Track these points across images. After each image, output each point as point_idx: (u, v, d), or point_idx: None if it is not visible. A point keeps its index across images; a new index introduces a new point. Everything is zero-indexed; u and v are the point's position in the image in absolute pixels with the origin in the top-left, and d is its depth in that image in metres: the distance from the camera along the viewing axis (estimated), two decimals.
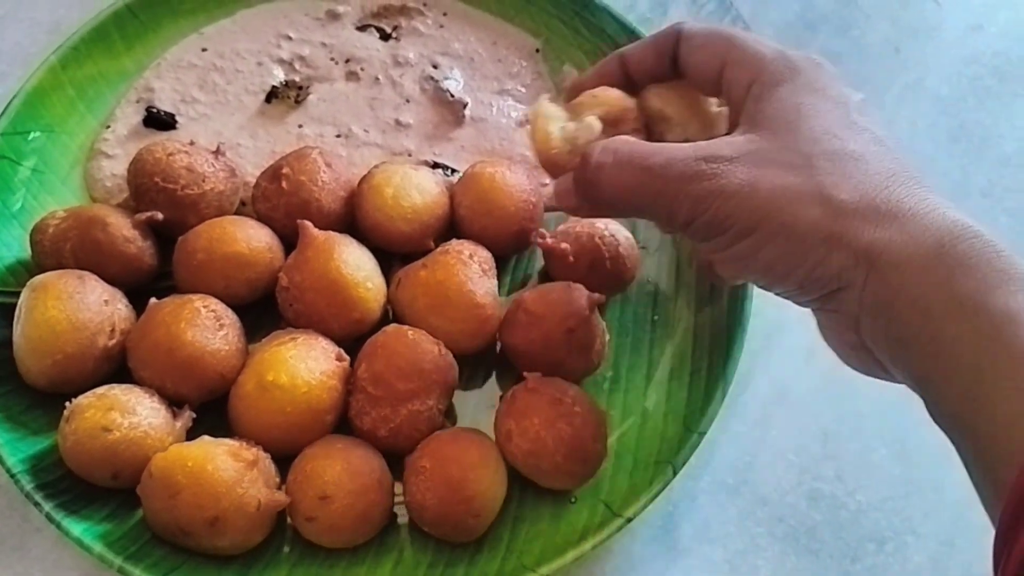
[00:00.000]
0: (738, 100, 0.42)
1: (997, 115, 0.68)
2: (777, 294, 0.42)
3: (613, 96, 0.46)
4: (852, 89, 0.42)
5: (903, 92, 0.69)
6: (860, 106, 0.41)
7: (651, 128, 0.46)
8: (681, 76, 0.46)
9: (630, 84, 0.47)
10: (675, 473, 0.49)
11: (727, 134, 0.41)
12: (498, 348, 0.55)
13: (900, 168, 0.38)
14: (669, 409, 0.53)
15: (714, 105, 0.46)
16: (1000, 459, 0.33)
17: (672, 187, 0.39)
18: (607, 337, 0.53)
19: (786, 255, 0.38)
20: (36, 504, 0.46)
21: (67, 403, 0.47)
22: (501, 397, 0.52)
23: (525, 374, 0.49)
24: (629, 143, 0.41)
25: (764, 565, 0.52)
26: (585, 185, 0.42)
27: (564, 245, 0.54)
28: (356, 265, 0.51)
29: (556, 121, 0.46)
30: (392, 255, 0.56)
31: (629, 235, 0.55)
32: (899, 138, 0.66)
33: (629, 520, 0.48)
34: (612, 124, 0.44)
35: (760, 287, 0.43)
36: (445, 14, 0.65)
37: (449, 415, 0.52)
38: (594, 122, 0.44)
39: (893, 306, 0.36)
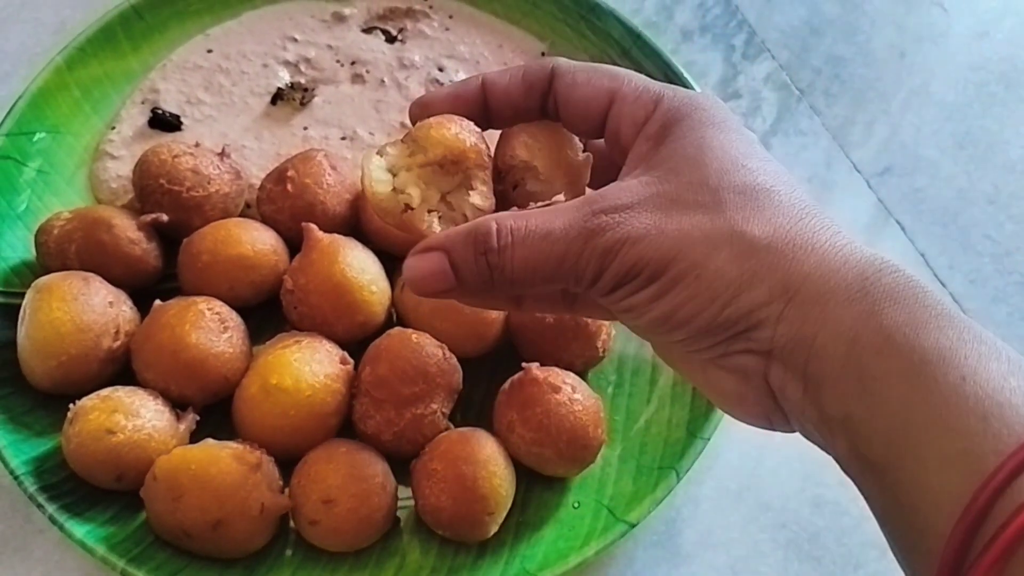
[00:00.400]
0: (627, 140, 0.39)
1: (1003, 121, 0.68)
2: (671, 343, 0.38)
3: (450, 135, 0.38)
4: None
5: (908, 98, 0.69)
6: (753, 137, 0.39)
7: (506, 175, 0.40)
8: (547, 115, 0.41)
9: (486, 113, 0.41)
10: (679, 479, 0.49)
11: (615, 180, 0.38)
12: (502, 347, 0.55)
13: (810, 202, 0.36)
14: (673, 414, 0.53)
15: (579, 152, 0.41)
16: (929, 502, 0.31)
17: (575, 247, 0.36)
18: (612, 332, 0.53)
19: (693, 297, 0.35)
20: (39, 506, 0.46)
21: (71, 405, 0.47)
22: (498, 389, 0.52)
23: (524, 364, 0.49)
24: (520, 217, 0.36)
25: (767, 571, 0.52)
26: (488, 272, 0.37)
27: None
28: (361, 268, 0.51)
29: (384, 182, 0.38)
30: (397, 258, 0.55)
31: None
32: (904, 144, 0.67)
33: (632, 526, 0.48)
34: (451, 165, 0.38)
35: (648, 337, 0.39)
36: (451, 16, 0.65)
37: (452, 418, 0.52)
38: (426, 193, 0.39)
39: (815, 341, 0.34)
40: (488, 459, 0.47)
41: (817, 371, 0.34)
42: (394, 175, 0.38)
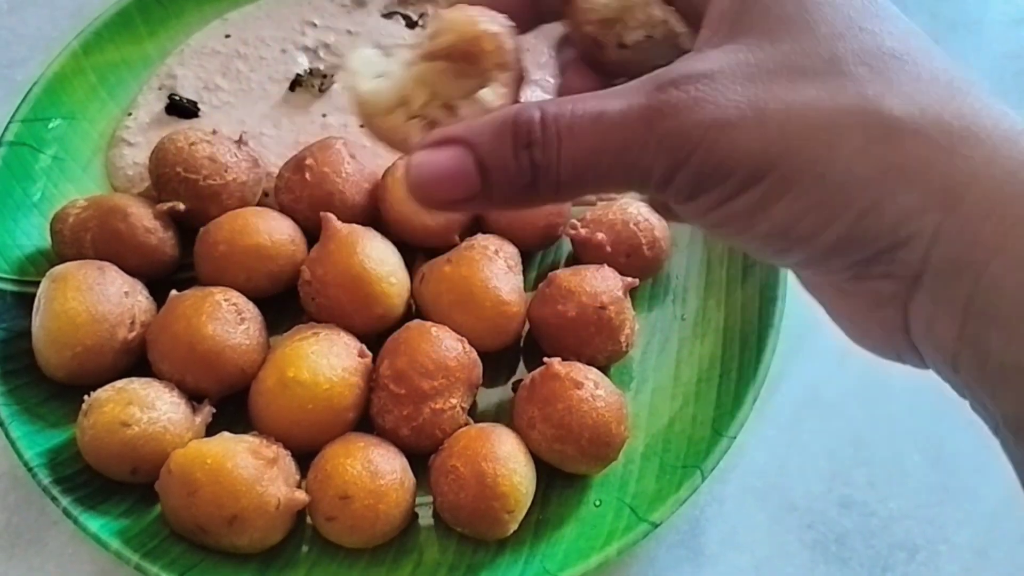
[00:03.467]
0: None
1: None
2: (789, 264, 0.30)
3: (463, 17, 0.29)
4: None
5: None
6: None
7: (589, 53, 0.32)
8: None
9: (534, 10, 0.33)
10: (703, 478, 0.48)
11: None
12: (522, 341, 0.54)
13: (957, 73, 0.27)
14: (697, 411, 0.51)
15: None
16: None
17: (638, 134, 0.26)
18: (636, 326, 0.52)
19: (818, 205, 0.27)
20: (53, 499, 0.45)
21: (86, 396, 0.46)
22: (516, 384, 0.51)
23: (545, 359, 0.48)
24: (564, 102, 0.27)
25: (792, 573, 0.51)
26: (530, 173, 0.27)
27: (600, 235, 0.53)
28: (380, 259, 0.50)
29: (371, 77, 0.30)
30: (416, 248, 0.54)
31: (659, 217, 0.55)
32: None
33: (656, 526, 0.47)
34: (464, 60, 0.29)
35: (763, 256, 0.30)
36: None
37: (471, 412, 0.51)
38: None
39: (986, 269, 0.26)
40: (508, 456, 0.46)
41: (986, 308, 0.26)
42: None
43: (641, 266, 0.54)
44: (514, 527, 0.46)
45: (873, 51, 0.26)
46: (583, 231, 0.53)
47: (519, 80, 0.30)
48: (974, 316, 0.26)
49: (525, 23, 0.31)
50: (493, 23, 0.29)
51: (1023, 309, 0.25)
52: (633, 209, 0.54)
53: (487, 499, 0.45)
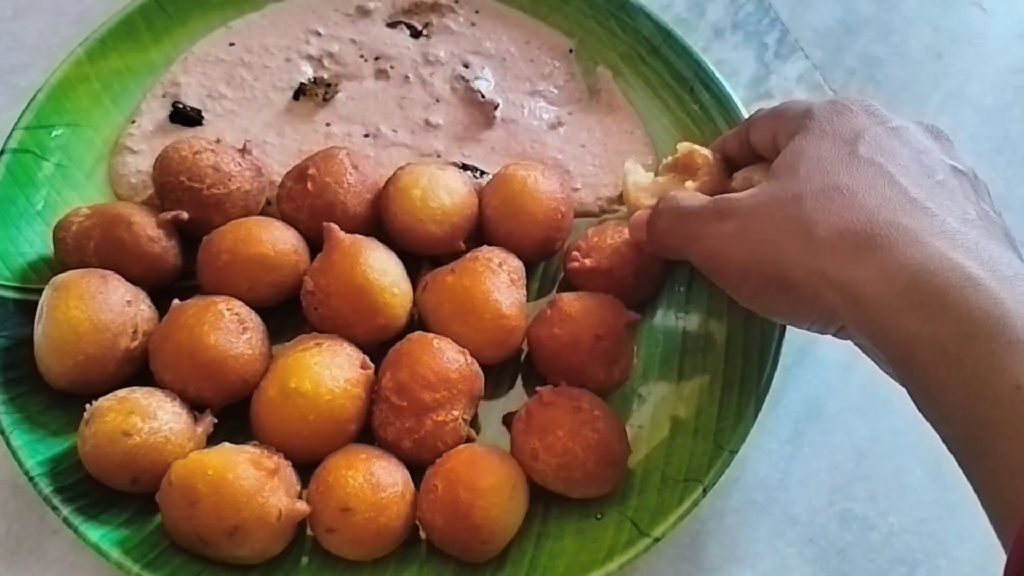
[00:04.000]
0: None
1: None
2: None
3: (690, 145, 0.52)
4: (911, 121, 0.43)
5: (945, 100, 0.67)
6: (889, 135, 0.41)
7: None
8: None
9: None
10: (705, 493, 0.48)
11: None
12: (523, 356, 0.54)
13: (898, 197, 0.38)
14: (699, 425, 0.51)
15: None
16: (1007, 508, 0.33)
17: (693, 229, 0.45)
18: (635, 361, 0.52)
19: (782, 296, 0.41)
20: (54, 508, 0.45)
21: (87, 405, 0.46)
22: (508, 417, 0.51)
23: (538, 388, 0.48)
24: (683, 194, 0.47)
25: None
26: (649, 226, 0.48)
27: (587, 262, 0.52)
28: (382, 270, 0.50)
29: (641, 179, 0.54)
30: (419, 259, 0.54)
31: None
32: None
33: (657, 540, 0.47)
34: (683, 169, 0.52)
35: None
36: (477, 12, 0.64)
37: (473, 425, 0.51)
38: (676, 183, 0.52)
39: (881, 348, 0.37)
40: (490, 489, 0.45)
41: (898, 374, 0.37)
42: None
43: (651, 281, 0.54)
44: (491, 555, 0.46)
45: (826, 186, 0.39)
46: (587, 262, 0.53)
47: (714, 181, 0.50)
48: (901, 378, 0.38)
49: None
50: (703, 150, 0.52)
51: (915, 382, 0.36)
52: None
53: (459, 528, 0.45)
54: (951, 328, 0.34)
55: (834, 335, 0.43)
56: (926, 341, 0.35)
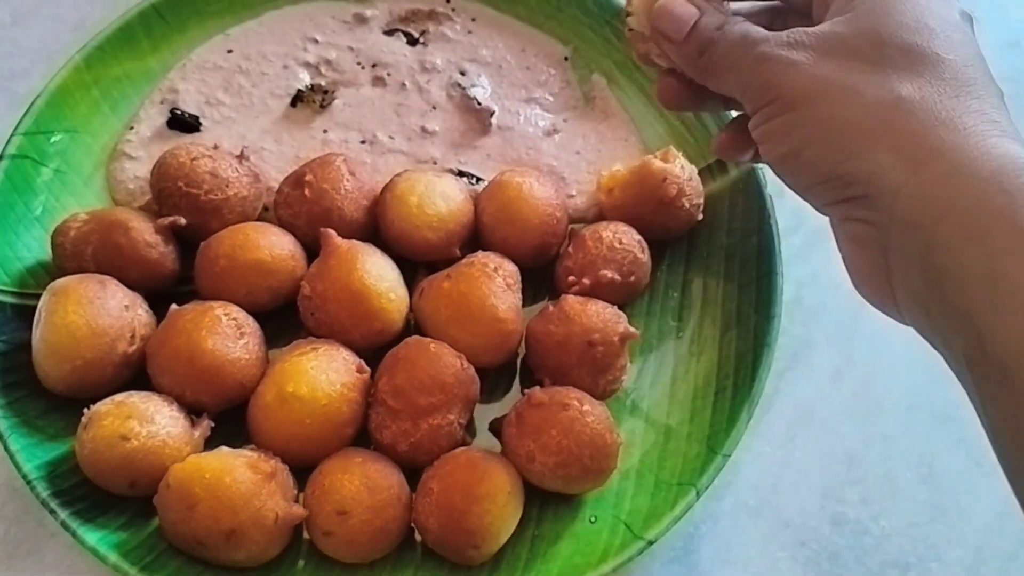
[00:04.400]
0: None
1: None
2: (799, 191, 0.39)
3: None
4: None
5: None
6: (963, 15, 0.38)
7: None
8: None
9: None
10: (698, 496, 0.49)
11: None
12: (519, 360, 0.54)
13: (982, 81, 0.35)
14: (693, 429, 0.52)
15: None
16: None
17: (748, 55, 0.39)
18: (625, 376, 0.52)
19: (820, 141, 0.36)
20: (52, 512, 0.46)
21: (85, 409, 0.47)
22: (495, 423, 0.51)
23: (525, 391, 0.49)
24: (742, 24, 0.40)
25: None
26: (698, 52, 0.41)
27: (587, 282, 0.53)
28: (379, 275, 0.51)
29: None
30: (417, 264, 0.55)
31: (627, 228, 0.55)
32: None
33: (651, 543, 0.47)
34: None
35: (779, 174, 0.40)
36: (474, 19, 0.64)
37: (469, 429, 0.51)
38: None
39: (937, 228, 0.33)
40: (487, 495, 0.45)
41: (940, 263, 0.33)
42: None
43: (642, 277, 0.54)
44: (483, 559, 0.47)
45: (919, 46, 0.35)
46: (585, 281, 0.53)
47: None
48: (932, 269, 0.33)
49: None
50: None
51: (968, 266, 0.32)
52: (608, 233, 0.54)
53: (454, 532, 0.45)
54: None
55: (829, 207, 0.38)
56: (1011, 230, 0.31)
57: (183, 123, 0.59)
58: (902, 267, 0.34)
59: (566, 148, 0.61)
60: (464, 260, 0.53)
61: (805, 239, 0.60)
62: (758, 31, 0.39)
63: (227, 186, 0.53)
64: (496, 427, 0.51)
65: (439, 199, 0.53)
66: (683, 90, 0.46)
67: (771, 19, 0.45)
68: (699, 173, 0.57)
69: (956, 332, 0.33)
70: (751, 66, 0.38)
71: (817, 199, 0.38)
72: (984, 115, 0.34)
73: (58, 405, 0.49)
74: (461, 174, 0.59)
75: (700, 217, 0.56)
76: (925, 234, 0.33)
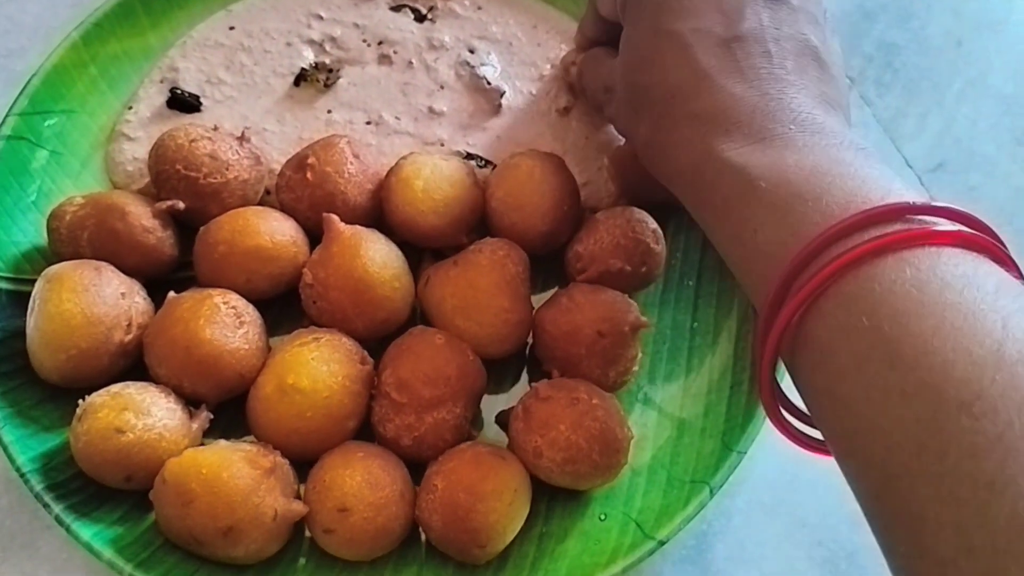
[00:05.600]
0: None
1: None
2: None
3: None
4: None
5: (964, 89, 0.65)
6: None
7: None
8: None
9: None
10: (712, 495, 0.47)
11: None
12: (527, 351, 0.52)
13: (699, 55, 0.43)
14: (707, 424, 0.50)
15: None
16: (765, 274, 0.37)
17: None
18: (636, 368, 0.50)
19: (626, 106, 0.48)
20: (46, 505, 0.44)
21: (80, 400, 0.45)
22: (502, 416, 0.50)
23: (532, 384, 0.47)
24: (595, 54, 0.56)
25: None
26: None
27: (594, 270, 0.51)
28: (383, 263, 0.49)
29: None
30: (421, 251, 0.53)
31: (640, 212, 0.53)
32: (959, 138, 0.63)
33: (662, 543, 0.46)
34: None
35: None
36: None
37: (475, 422, 0.50)
38: None
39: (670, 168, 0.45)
40: (492, 493, 0.44)
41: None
42: None
43: (655, 267, 0.52)
44: (487, 558, 0.45)
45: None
46: (595, 270, 0.51)
47: None
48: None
49: None
50: None
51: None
52: (621, 220, 0.51)
53: (457, 531, 0.44)
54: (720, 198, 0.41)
55: None
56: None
57: (183, 103, 0.57)
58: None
59: (578, 131, 0.58)
60: (472, 247, 0.51)
61: None
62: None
63: (227, 169, 0.51)
64: (503, 420, 0.49)
65: (446, 183, 0.52)
66: None
67: None
68: None
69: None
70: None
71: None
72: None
73: (53, 394, 0.48)
74: (469, 157, 0.57)
75: None
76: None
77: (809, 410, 0.38)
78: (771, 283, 0.36)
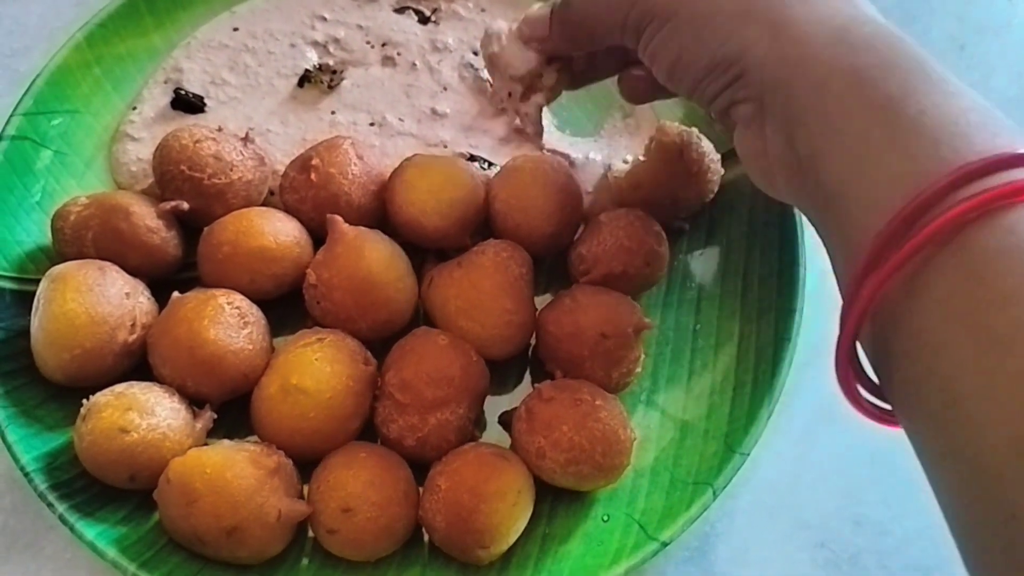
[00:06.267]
0: None
1: None
2: (692, 95, 0.43)
3: None
4: None
5: None
6: None
7: None
8: None
9: None
10: (715, 496, 0.47)
11: None
12: (530, 351, 0.52)
13: None
14: (710, 425, 0.50)
15: None
16: (871, 214, 0.33)
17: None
18: (639, 370, 0.50)
19: (696, 38, 0.40)
20: (50, 505, 0.45)
21: (85, 400, 0.45)
22: (505, 416, 0.50)
23: (535, 385, 0.47)
24: None
25: None
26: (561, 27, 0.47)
27: (597, 272, 0.51)
28: (387, 264, 0.49)
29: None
30: (426, 250, 0.53)
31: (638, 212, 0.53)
32: None
33: (665, 544, 0.46)
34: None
35: (673, 87, 0.44)
36: None
37: (479, 422, 0.50)
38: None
39: (791, 83, 0.37)
40: (496, 494, 0.44)
41: (792, 113, 0.37)
42: None
43: (658, 268, 0.52)
44: (490, 559, 0.45)
45: None
46: (598, 271, 0.51)
47: None
48: (788, 122, 0.37)
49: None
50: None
51: (810, 109, 0.36)
52: (625, 222, 0.51)
53: (461, 532, 0.44)
54: (873, 59, 0.35)
55: (716, 102, 0.42)
56: (846, 71, 0.35)
57: (187, 103, 0.58)
58: (773, 134, 0.38)
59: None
60: (475, 248, 0.51)
61: None
62: None
63: (231, 170, 0.52)
64: (506, 421, 0.49)
65: (449, 184, 0.52)
66: (644, 80, 0.49)
67: None
68: (721, 161, 0.55)
69: (805, 176, 0.37)
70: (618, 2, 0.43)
71: (706, 95, 0.41)
72: None
73: (57, 394, 0.48)
74: (472, 158, 0.57)
75: (716, 188, 0.55)
76: (783, 92, 0.37)
77: (890, 388, 0.35)
78: (887, 214, 0.32)
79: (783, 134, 0.38)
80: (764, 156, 0.40)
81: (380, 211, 0.53)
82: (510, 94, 0.53)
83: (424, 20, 0.62)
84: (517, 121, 0.56)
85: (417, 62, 0.60)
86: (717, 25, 0.39)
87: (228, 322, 0.47)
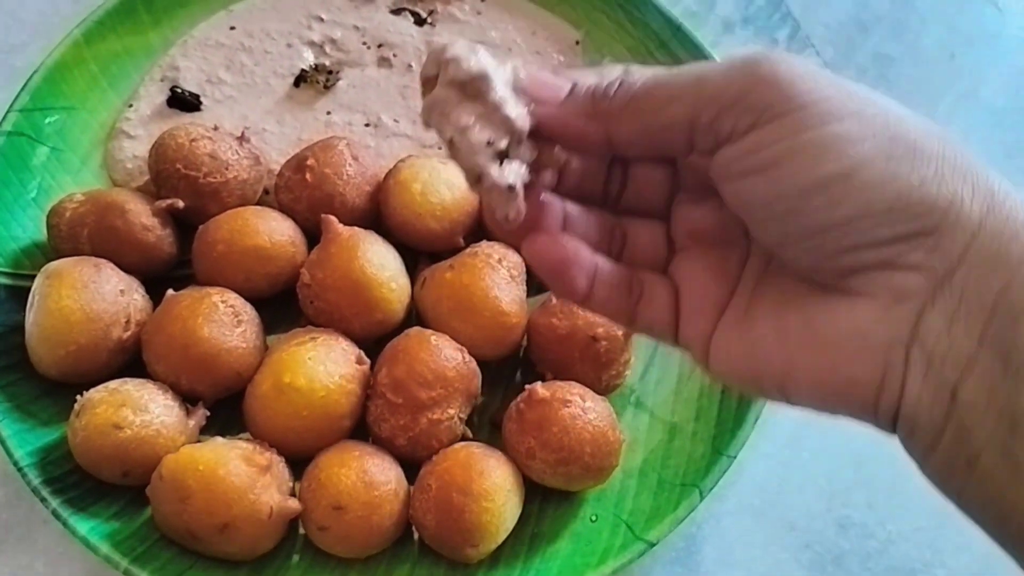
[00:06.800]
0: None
1: None
2: (826, 229, 0.27)
3: None
4: None
5: (957, 101, 0.66)
6: None
7: None
8: None
9: None
10: (702, 497, 0.48)
11: None
12: (521, 353, 0.53)
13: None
14: (698, 428, 0.51)
15: None
16: None
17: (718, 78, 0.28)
18: (629, 372, 0.51)
19: (887, 157, 0.26)
20: (43, 500, 0.45)
21: (79, 396, 0.46)
22: (494, 418, 0.50)
23: (526, 386, 0.48)
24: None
25: None
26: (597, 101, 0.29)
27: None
28: (380, 264, 0.50)
29: None
30: (419, 252, 0.54)
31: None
32: None
33: (652, 545, 0.46)
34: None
35: (793, 215, 0.27)
36: (483, 0, 0.63)
37: (469, 423, 0.50)
38: None
39: (1021, 266, 0.26)
40: (485, 493, 0.44)
41: (1016, 304, 0.26)
42: None
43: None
44: (479, 558, 0.46)
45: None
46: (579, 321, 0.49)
47: None
48: (1001, 313, 0.26)
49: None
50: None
51: None
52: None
53: (451, 531, 0.44)
54: None
55: (865, 257, 0.27)
56: None
57: (183, 102, 0.58)
58: (951, 322, 0.27)
59: None
60: (467, 250, 0.51)
61: None
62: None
63: (227, 169, 0.52)
64: (496, 421, 0.50)
65: (443, 187, 0.52)
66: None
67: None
68: None
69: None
70: (746, 74, 0.27)
71: (855, 238, 0.27)
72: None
73: (52, 389, 0.48)
74: None
75: None
76: (1004, 274, 0.26)
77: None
78: None
79: (980, 325, 0.26)
80: (894, 350, 0.27)
81: (374, 212, 0.53)
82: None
83: (420, 22, 0.62)
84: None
85: (413, 64, 0.60)
86: (918, 156, 0.26)
87: (222, 320, 0.47)
